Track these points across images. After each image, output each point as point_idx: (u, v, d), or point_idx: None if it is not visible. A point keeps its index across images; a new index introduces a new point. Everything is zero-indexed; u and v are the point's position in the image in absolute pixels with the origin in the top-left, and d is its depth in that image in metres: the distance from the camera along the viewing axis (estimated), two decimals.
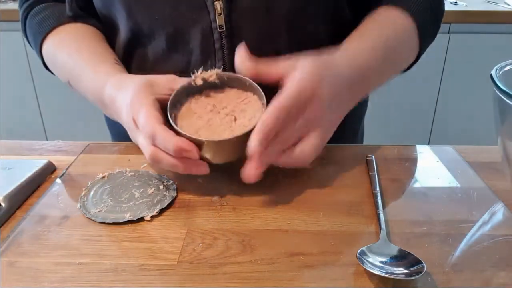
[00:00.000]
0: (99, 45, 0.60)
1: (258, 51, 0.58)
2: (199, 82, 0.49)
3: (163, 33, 0.58)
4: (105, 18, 0.63)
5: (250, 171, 0.43)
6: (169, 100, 0.47)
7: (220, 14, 0.54)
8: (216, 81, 0.49)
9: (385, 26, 0.56)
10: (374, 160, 0.53)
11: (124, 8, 0.57)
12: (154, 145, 0.44)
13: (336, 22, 0.61)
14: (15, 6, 1.69)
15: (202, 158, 0.45)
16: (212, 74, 0.49)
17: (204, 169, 0.45)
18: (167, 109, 0.46)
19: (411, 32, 0.57)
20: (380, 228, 0.41)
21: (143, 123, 0.44)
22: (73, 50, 0.59)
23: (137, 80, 0.49)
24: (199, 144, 0.44)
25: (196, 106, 0.49)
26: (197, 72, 0.49)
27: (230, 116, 0.48)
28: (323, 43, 0.61)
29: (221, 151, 0.46)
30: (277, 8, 0.55)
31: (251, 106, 0.48)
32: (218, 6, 0.54)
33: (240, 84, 0.49)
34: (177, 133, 0.44)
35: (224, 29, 0.55)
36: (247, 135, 0.43)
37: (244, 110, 0.48)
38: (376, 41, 0.53)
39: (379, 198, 0.45)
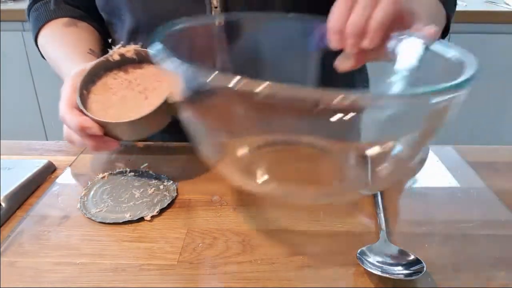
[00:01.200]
0: (78, 36, 0.64)
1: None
2: (116, 57, 0.50)
3: None
4: (108, 16, 0.66)
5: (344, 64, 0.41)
6: (83, 76, 0.49)
7: (216, 7, 0.55)
8: (134, 56, 0.50)
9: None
10: None
11: (125, 5, 0.59)
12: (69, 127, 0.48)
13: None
14: (15, 6, 1.69)
15: (111, 135, 0.47)
16: (130, 50, 0.50)
17: (112, 145, 0.48)
18: (79, 85, 0.48)
19: (438, 5, 0.57)
20: (380, 228, 0.41)
21: (59, 108, 0.48)
22: (56, 44, 0.63)
23: (76, 68, 0.51)
24: (103, 125, 0.46)
25: (114, 82, 0.50)
26: (115, 47, 0.50)
27: (142, 94, 0.48)
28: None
29: (124, 131, 0.47)
30: (274, 2, 0.56)
31: (164, 85, 0.48)
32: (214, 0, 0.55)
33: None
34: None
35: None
36: (147, 117, 0.45)
37: (156, 88, 0.48)
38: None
39: (379, 198, 0.45)
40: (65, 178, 0.51)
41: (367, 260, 0.36)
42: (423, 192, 0.48)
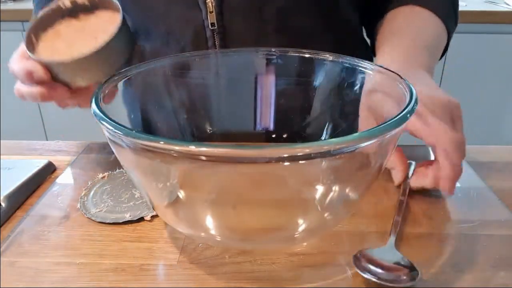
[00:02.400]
0: None
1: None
2: (68, 4, 0.49)
3: (157, 31, 0.59)
4: None
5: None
6: (33, 23, 0.48)
7: (212, 12, 0.55)
8: (86, 2, 0.50)
9: (423, 26, 0.57)
10: None
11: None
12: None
13: (329, 19, 0.61)
14: (15, 6, 1.69)
15: (59, 80, 0.46)
16: None
17: (62, 91, 0.45)
18: (27, 31, 0.47)
19: (441, 26, 0.58)
20: (391, 233, 0.39)
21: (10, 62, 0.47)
22: None
23: None
24: (50, 67, 0.45)
25: (67, 29, 0.49)
26: None
27: (93, 37, 0.47)
28: (315, 41, 0.62)
29: (71, 71, 0.45)
30: (269, 7, 0.56)
31: (116, 28, 0.47)
32: (210, 4, 0.55)
33: (112, 7, 0.49)
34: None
35: (216, 27, 0.56)
36: (92, 55, 0.43)
37: (107, 30, 0.46)
38: (424, 42, 0.55)
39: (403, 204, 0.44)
40: (65, 178, 0.51)
41: (361, 265, 0.35)
42: (423, 192, 0.48)
